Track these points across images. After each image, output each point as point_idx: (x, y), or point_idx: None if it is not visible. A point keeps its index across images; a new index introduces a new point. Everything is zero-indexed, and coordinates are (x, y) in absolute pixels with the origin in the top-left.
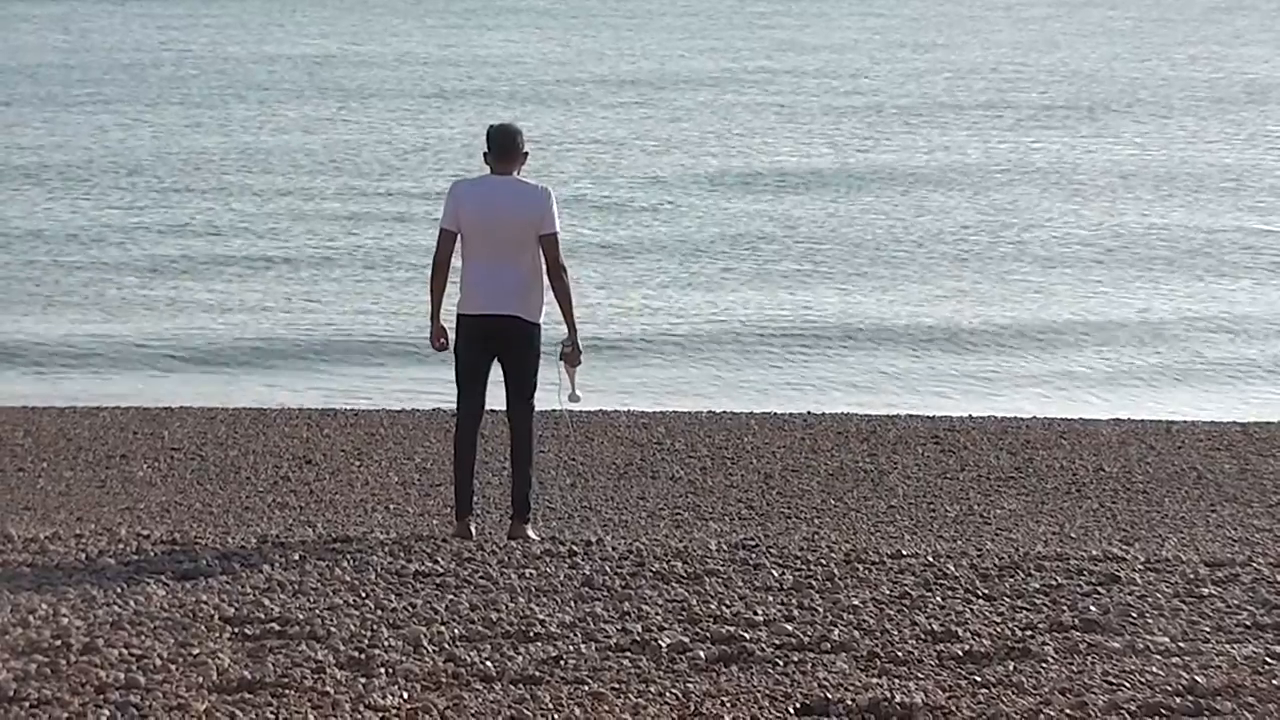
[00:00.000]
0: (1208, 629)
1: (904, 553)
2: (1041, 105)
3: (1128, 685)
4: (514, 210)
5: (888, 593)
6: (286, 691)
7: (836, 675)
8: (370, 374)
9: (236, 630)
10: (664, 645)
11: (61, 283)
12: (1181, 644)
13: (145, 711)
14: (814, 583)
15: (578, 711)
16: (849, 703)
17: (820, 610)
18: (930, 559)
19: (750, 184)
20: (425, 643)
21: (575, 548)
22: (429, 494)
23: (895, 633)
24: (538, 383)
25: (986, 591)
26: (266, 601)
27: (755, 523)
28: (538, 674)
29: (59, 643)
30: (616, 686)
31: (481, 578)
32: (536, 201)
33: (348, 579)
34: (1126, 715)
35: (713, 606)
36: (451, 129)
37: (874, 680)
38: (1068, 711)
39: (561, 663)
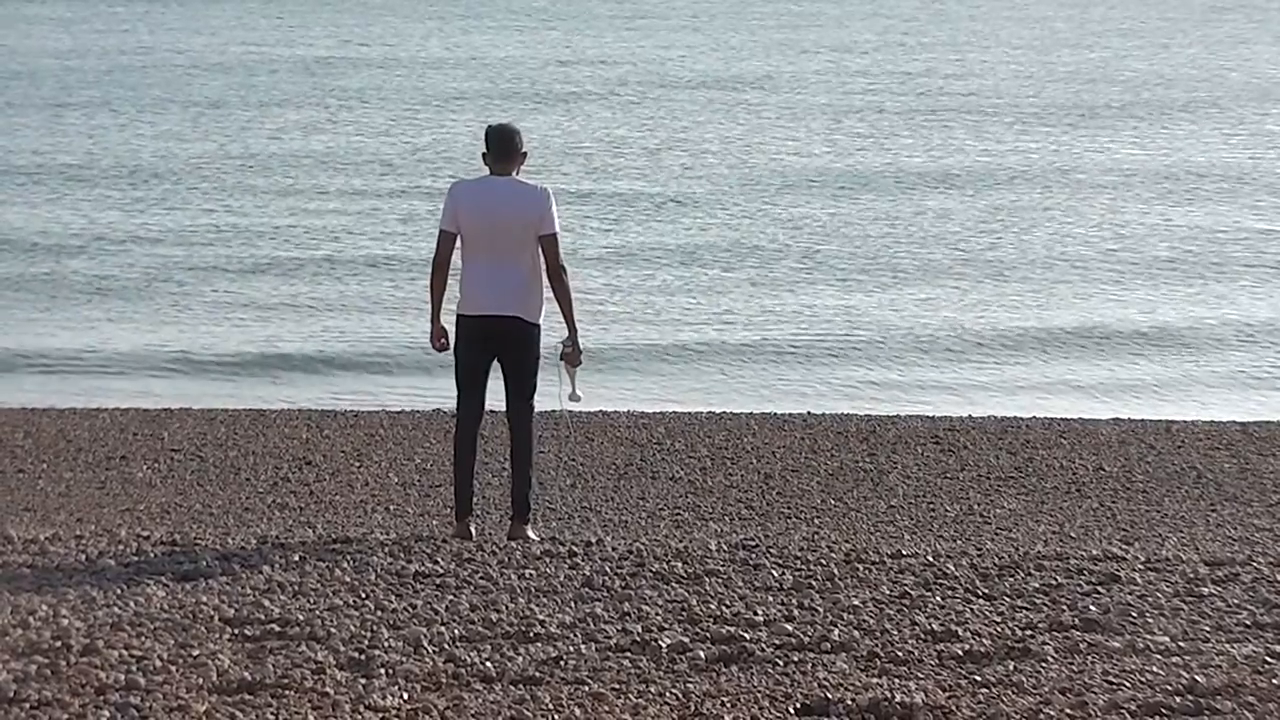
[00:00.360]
0: (1208, 628)
1: (904, 552)
2: (1042, 106)
3: (1128, 685)
4: (513, 211)
5: (888, 592)
6: (286, 692)
7: (836, 675)
8: (371, 378)
9: (236, 631)
10: (664, 645)
11: (65, 288)
12: (1182, 643)
13: (145, 713)
14: (814, 583)
15: (578, 712)
16: (849, 703)
17: (820, 610)
18: (930, 559)
19: (751, 186)
20: (425, 643)
21: (575, 548)
22: (429, 495)
23: (895, 632)
24: (538, 383)
25: (986, 591)
26: (266, 602)
27: (755, 523)
28: (538, 674)
29: (59, 644)
30: (617, 687)
31: (481, 578)
32: (536, 202)
33: (348, 580)
34: (1127, 715)
35: (713, 607)
36: (452, 131)
37: (874, 680)
38: (1068, 711)
39: (561, 663)
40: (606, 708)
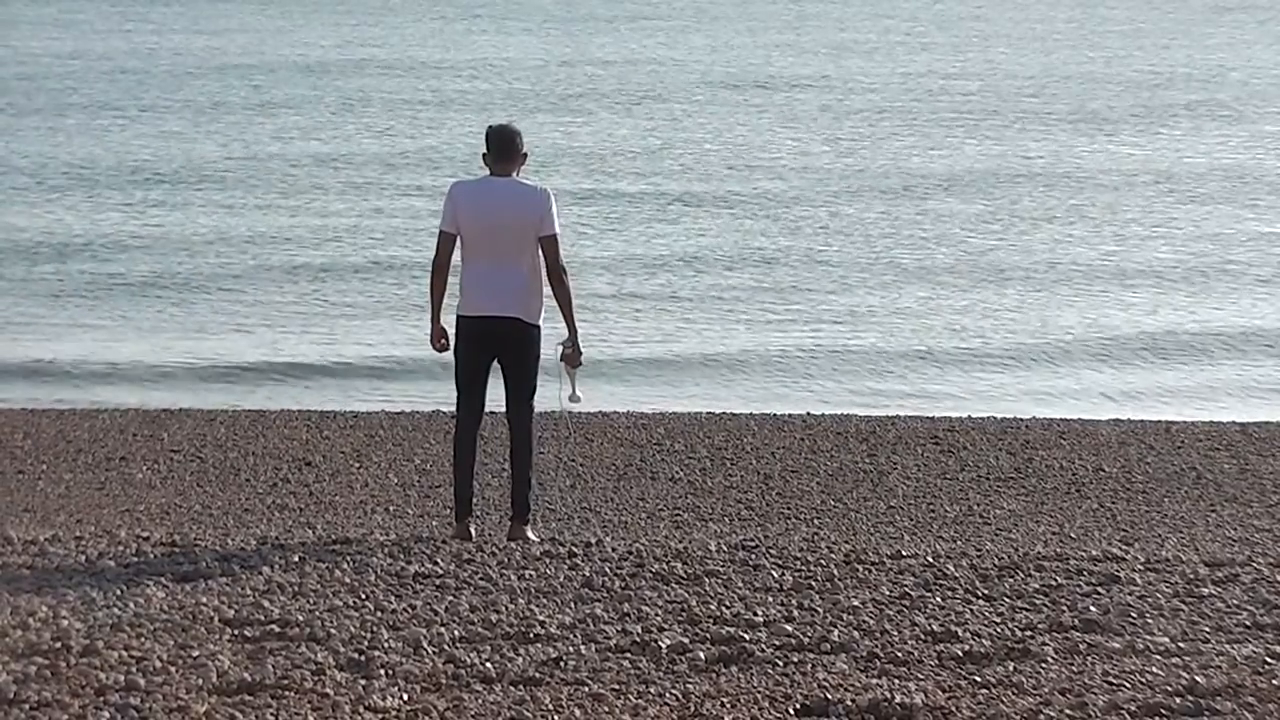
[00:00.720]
0: (1208, 629)
1: (904, 553)
2: (1043, 108)
3: (1128, 685)
4: (513, 212)
5: (887, 593)
6: (286, 693)
7: (836, 676)
8: (372, 381)
9: (236, 632)
10: (664, 646)
11: (69, 294)
12: (1181, 644)
13: (145, 714)
14: (814, 583)
15: (578, 713)
16: (849, 703)
17: (820, 611)
18: (930, 559)
19: (751, 188)
20: (425, 644)
21: (575, 549)
22: (429, 496)
23: (895, 633)
24: (537, 384)
25: (986, 592)
26: (266, 603)
27: (755, 523)
28: (538, 675)
29: (59, 645)
30: (616, 688)
31: (481, 579)
32: (536, 203)
33: (347, 581)
34: (1126, 715)
35: (712, 607)
36: (454, 133)
37: (874, 681)
38: (1068, 712)
39: (561, 664)
40: (606, 708)
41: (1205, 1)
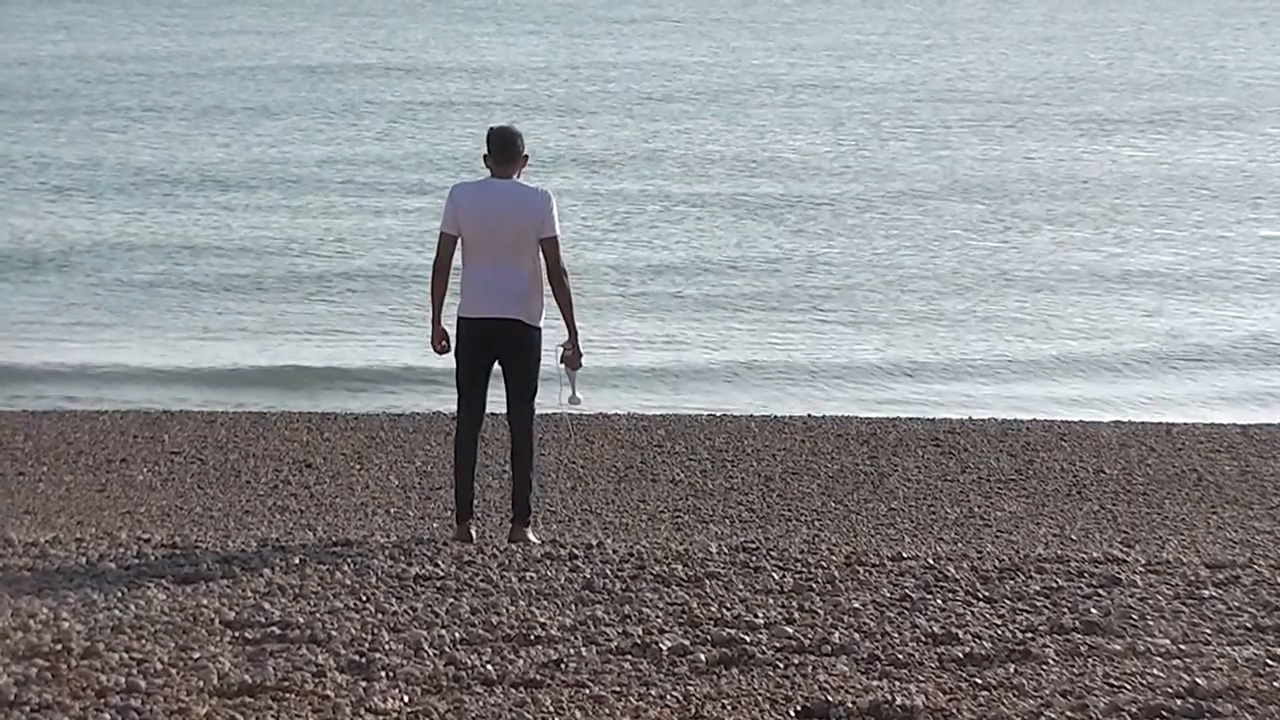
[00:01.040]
0: (1208, 631)
1: (904, 555)
2: (1046, 111)
3: (1129, 687)
4: (514, 213)
5: (888, 595)
6: (287, 695)
7: (837, 678)
8: (373, 386)
9: (237, 634)
10: (664, 648)
11: (71, 297)
12: (1182, 646)
13: (146, 716)
14: (814, 585)
15: (578, 715)
16: (850, 705)
17: (821, 613)
18: (931, 561)
19: (756, 190)
20: (426, 646)
21: (576, 551)
22: (429, 497)
23: (896, 635)
24: (538, 386)
25: (987, 594)
26: (267, 605)
27: (756, 525)
28: (538, 677)
29: (60, 647)
30: (617, 689)
31: (482, 581)
32: (537, 205)
33: (348, 582)
34: (1127, 717)
35: (713, 609)
36: (453, 135)
37: (875, 683)
38: (1068, 714)
39: (562, 666)
40: (607, 710)
41: (1209, 4)
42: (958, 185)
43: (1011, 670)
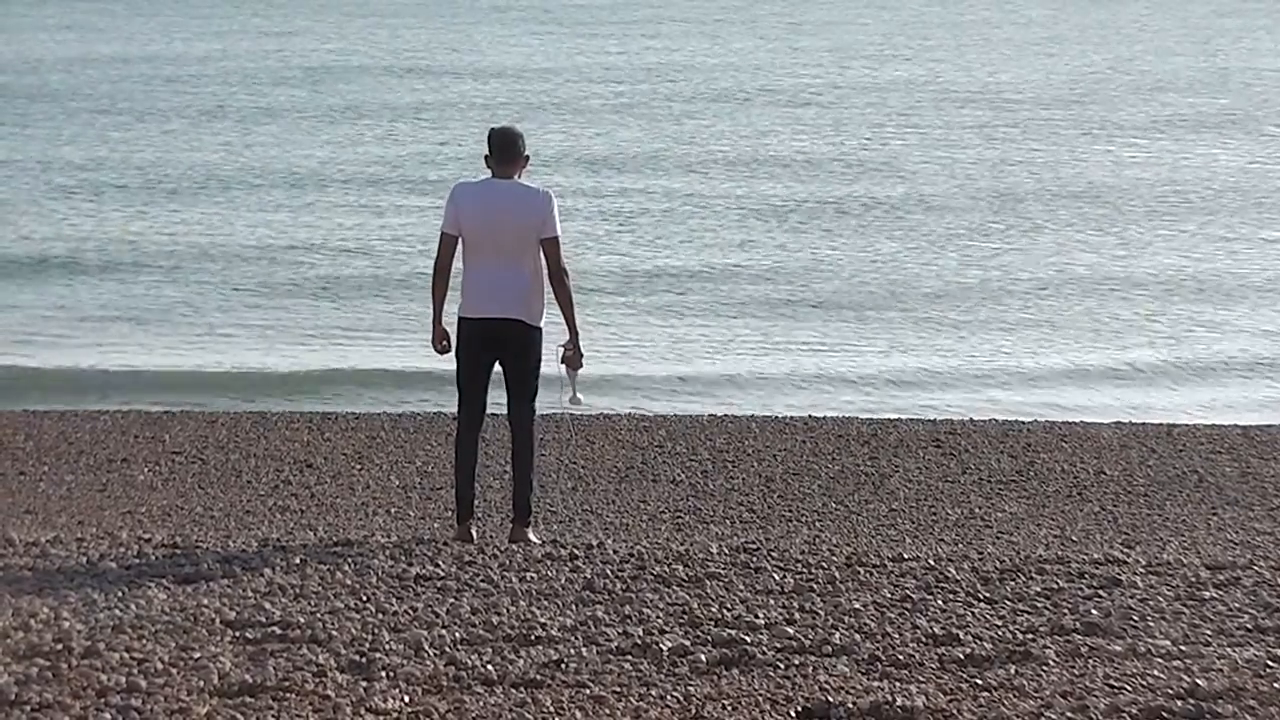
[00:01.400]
0: (1209, 632)
1: (905, 556)
2: (1044, 116)
3: (1129, 688)
4: (515, 214)
5: (889, 596)
6: (288, 695)
7: (837, 678)
8: (374, 386)
9: (238, 634)
10: (665, 649)
11: (74, 300)
12: (1183, 647)
13: (146, 715)
14: (815, 586)
15: (579, 715)
16: (850, 706)
17: (821, 613)
18: (931, 562)
19: (757, 193)
20: (426, 646)
21: (576, 551)
22: (430, 498)
23: (896, 636)
24: (539, 386)
25: (988, 595)
26: (268, 605)
27: (756, 526)
28: (539, 678)
29: (60, 646)
30: (618, 690)
31: (483, 581)
32: (538, 205)
33: (349, 582)
34: (1128, 718)
35: (714, 610)
36: (454, 136)
37: (875, 683)
38: (1069, 715)
39: (562, 666)
40: (607, 711)
41: (1210, 5)
42: (960, 188)
43: (1012, 671)
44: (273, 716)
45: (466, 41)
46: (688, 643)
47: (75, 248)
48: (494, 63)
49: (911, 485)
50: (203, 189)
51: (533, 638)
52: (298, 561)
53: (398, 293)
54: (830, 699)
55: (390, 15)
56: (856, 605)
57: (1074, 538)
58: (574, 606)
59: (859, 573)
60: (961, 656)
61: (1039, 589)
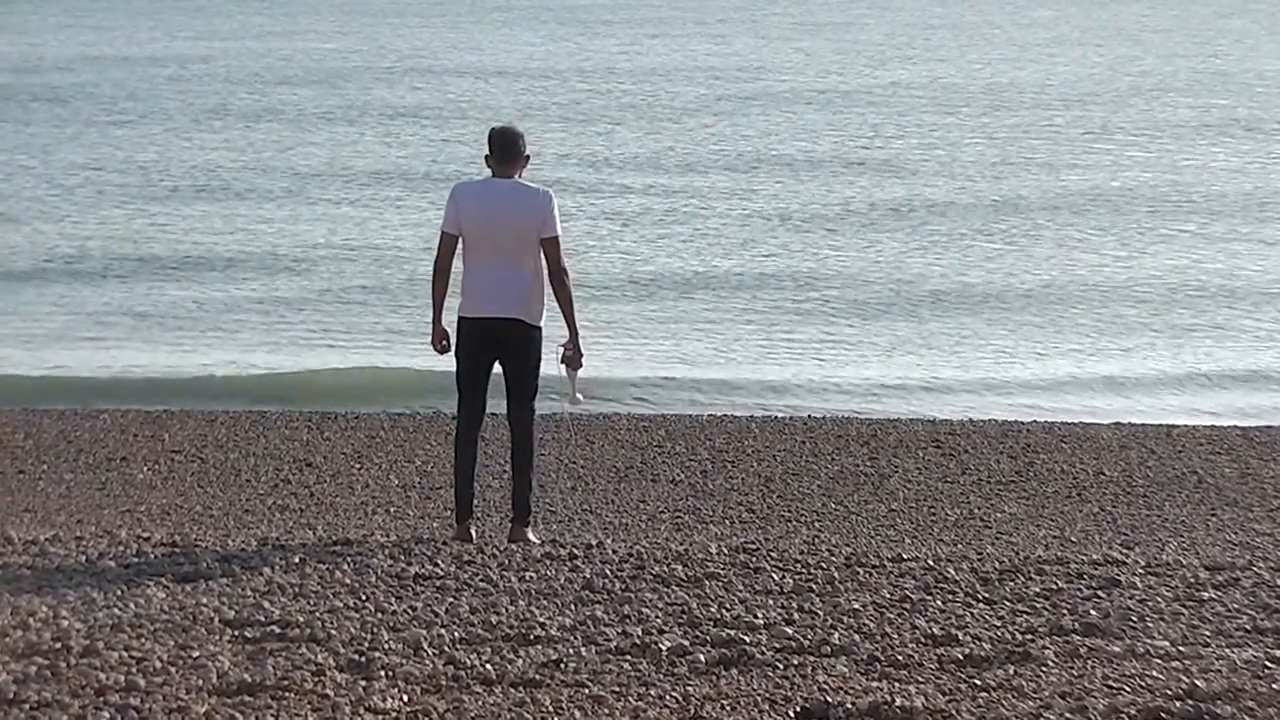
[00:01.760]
0: (1208, 633)
1: (904, 556)
2: (1044, 120)
3: (1128, 689)
4: (515, 213)
5: (888, 596)
6: (286, 694)
7: (836, 679)
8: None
9: (237, 633)
10: (664, 648)
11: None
12: (1182, 648)
13: (145, 714)
14: (814, 586)
15: (578, 715)
16: (849, 706)
17: (820, 614)
18: (930, 563)
19: (759, 194)
20: (425, 646)
21: (575, 551)
22: (429, 497)
23: (895, 636)
24: (538, 386)
25: (987, 595)
26: (267, 604)
27: (756, 526)
28: (538, 677)
29: (59, 645)
30: (617, 690)
31: (482, 581)
32: (538, 204)
33: (348, 582)
34: (1126, 719)
35: (713, 610)
36: (459, 140)
37: (874, 684)
38: (1067, 715)
39: (562, 666)
40: (606, 710)
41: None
42: (963, 190)
43: (1011, 672)
44: (271, 715)
45: (468, 41)
46: (687, 643)
47: (80, 247)
48: (496, 62)
49: (911, 486)
50: (204, 189)
51: (532, 637)
52: (297, 560)
53: (398, 291)
54: (829, 699)
55: (392, 15)
56: (855, 605)
57: (1073, 538)
58: (573, 606)
59: (858, 573)
60: (960, 657)
61: (1038, 590)
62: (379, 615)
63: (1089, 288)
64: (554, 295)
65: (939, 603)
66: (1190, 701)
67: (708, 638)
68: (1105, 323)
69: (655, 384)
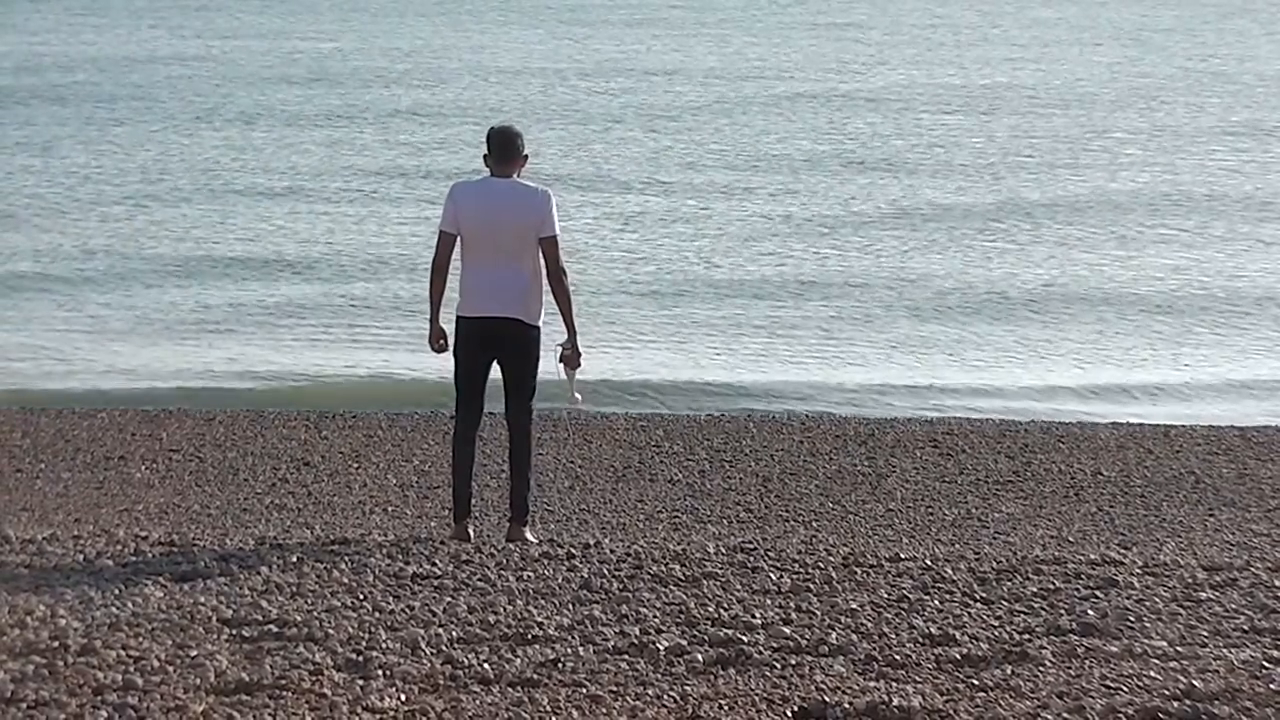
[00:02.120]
0: (1205, 633)
1: (902, 556)
2: (1045, 124)
3: (1125, 689)
4: (514, 213)
5: (885, 596)
6: (284, 693)
7: (834, 678)
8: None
9: (234, 632)
10: (662, 648)
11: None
12: (1179, 648)
13: (143, 713)
14: (812, 586)
15: (575, 714)
16: (846, 706)
17: (818, 613)
18: (928, 562)
19: (759, 194)
20: (423, 645)
21: (573, 550)
22: (427, 496)
23: (893, 636)
24: (536, 385)
25: (984, 595)
26: (264, 603)
27: (753, 526)
28: (535, 677)
29: (57, 644)
30: (614, 689)
31: (480, 580)
32: (536, 204)
33: (346, 581)
34: (1124, 719)
35: (710, 609)
36: (454, 135)
37: (872, 683)
38: (1065, 715)
39: (559, 665)
40: (604, 710)
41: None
42: (964, 192)
43: (1008, 671)
44: (269, 715)
45: (468, 40)
46: (684, 642)
47: (81, 246)
48: (496, 61)
49: (908, 485)
50: (203, 189)
51: (529, 637)
52: (294, 560)
53: (398, 291)
54: (827, 699)
55: (393, 14)
56: (853, 605)
57: (1071, 538)
58: (571, 606)
59: (856, 573)
60: (958, 657)
61: (1036, 589)
62: (377, 614)
63: (1088, 288)
64: (552, 295)
65: (936, 602)
66: (1187, 702)
67: (705, 637)
68: (1104, 323)
69: (654, 384)
